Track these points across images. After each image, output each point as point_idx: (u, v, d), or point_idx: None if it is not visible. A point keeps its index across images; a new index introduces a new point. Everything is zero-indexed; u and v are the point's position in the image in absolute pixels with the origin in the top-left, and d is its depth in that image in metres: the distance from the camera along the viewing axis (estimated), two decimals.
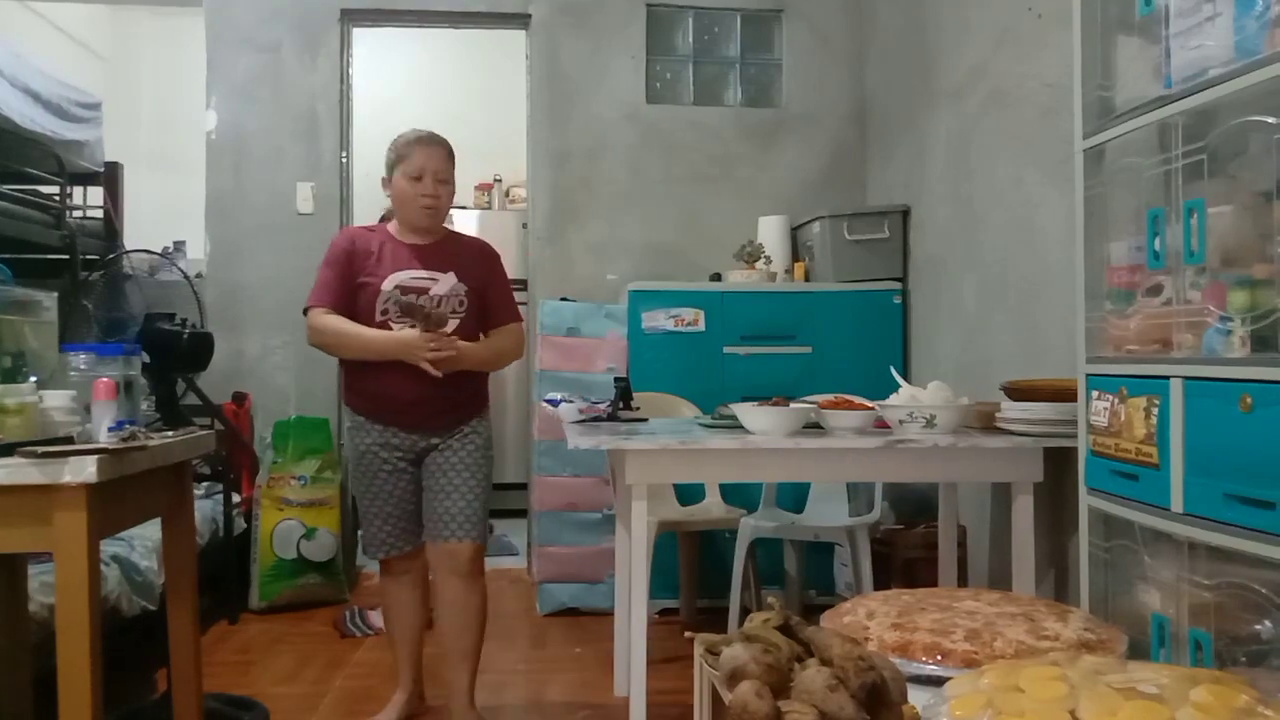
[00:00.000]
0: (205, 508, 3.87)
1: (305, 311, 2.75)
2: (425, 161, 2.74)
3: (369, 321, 2.69)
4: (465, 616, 2.74)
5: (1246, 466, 1.63)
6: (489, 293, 2.85)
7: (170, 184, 5.61)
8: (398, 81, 6.64)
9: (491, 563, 4.99)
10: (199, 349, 4.01)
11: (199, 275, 4.60)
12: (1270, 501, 1.57)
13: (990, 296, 3.49)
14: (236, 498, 4.14)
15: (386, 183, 2.80)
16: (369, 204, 5.60)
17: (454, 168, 2.80)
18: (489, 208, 6.60)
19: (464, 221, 6.38)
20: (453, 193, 2.82)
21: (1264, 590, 1.62)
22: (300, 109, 4.64)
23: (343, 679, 3.28)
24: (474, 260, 2.85)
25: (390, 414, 2.74)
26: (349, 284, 2.72)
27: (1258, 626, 1.65)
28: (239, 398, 4.42)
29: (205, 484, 4.09)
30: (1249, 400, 1.61)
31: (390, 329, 2.67)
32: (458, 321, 2.74)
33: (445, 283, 2.75)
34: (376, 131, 6.20)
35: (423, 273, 2.74)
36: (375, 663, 3.45)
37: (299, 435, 4.29)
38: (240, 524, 4.13)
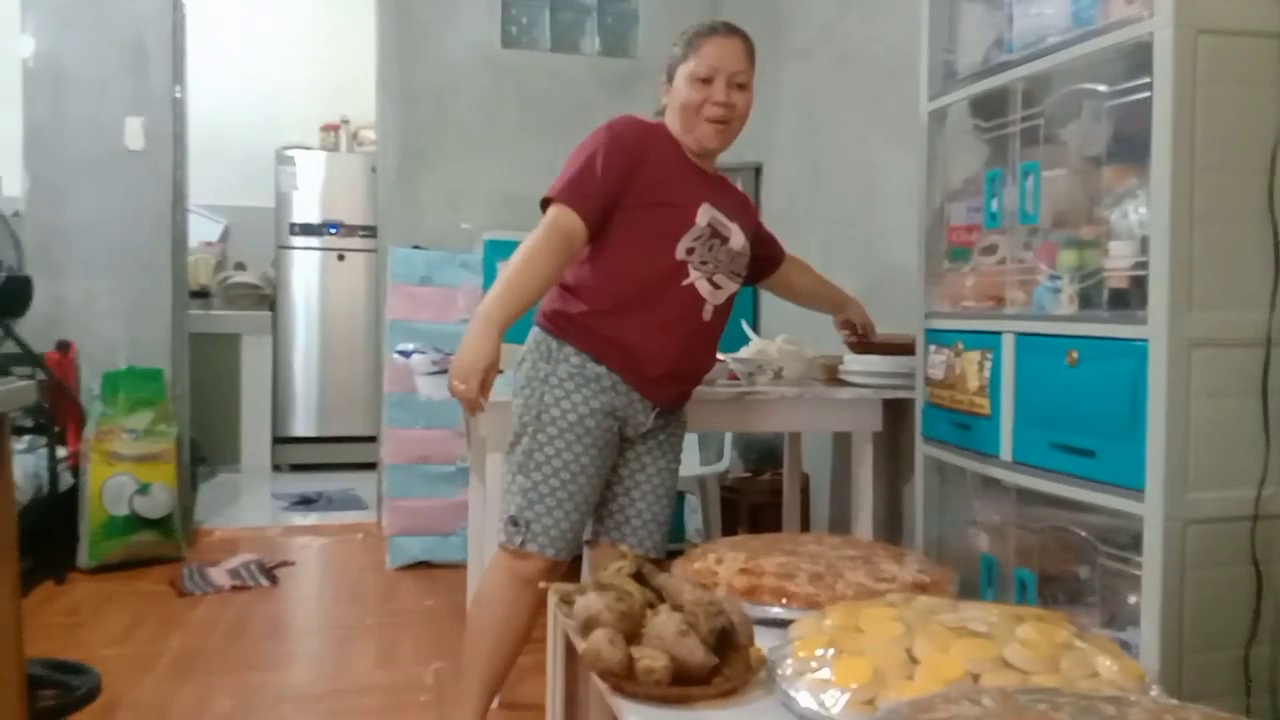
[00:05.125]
0: (28, 462, 3.64)
1: (545, 204, 2.05)
2: (719, 58, 2.05)
3: (658, 254, 2.04)
4: None
5: (1071, 417, 1.73)
6: (757, 239, 2.30)
7: None
8: (237, 11, 6.31)
9: (338, 517, 4.90)
10: (16, 293, 3.75)
11: (15, 214, 4.27)
12: (1091, 450, 1.68)
13: (835, 253, 3.58)
14: (62, 452, 3.91)
15: (666, 87, 2.16)
16: (209, 141, 5.34)
17: (754, 70, 2.13)
18: (336, 149, 6.35)
19: (310, 163, 6.14)
20: (749, 105, 2.13)
21: (1083, 533, 1.73)
22: (127, 38, 4.33)
23: (180, 638, 3.16)
24: (748, 211, 2.28)
25: (649, 380, 2.10)
26: (620, 194, 2.03)
27: (1076, 567, 1.77)
28: (63, 346, 4.15)
29: (27, 437, 3.85)
30: (1075, 355, 1.71)
31: (688, 274, 2.05)
32: (737, 287, 2.19)
33: (738, 236, 2.15)
34: (214, 65, 5.96)
35: (723, 216, 2.11)
36: (215, 621, 3.33)
37: (130, 386, 4.07)
38: (68, 479, 3.91)
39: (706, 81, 2.06)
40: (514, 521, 2.08)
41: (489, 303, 1.99)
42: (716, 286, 2.12)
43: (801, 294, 2.62)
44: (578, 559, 2.29)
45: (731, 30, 2.11)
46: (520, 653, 2.22)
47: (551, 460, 2.05)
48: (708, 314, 2.12)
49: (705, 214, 2.07)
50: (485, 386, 1.96)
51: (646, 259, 2.05)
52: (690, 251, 2.05)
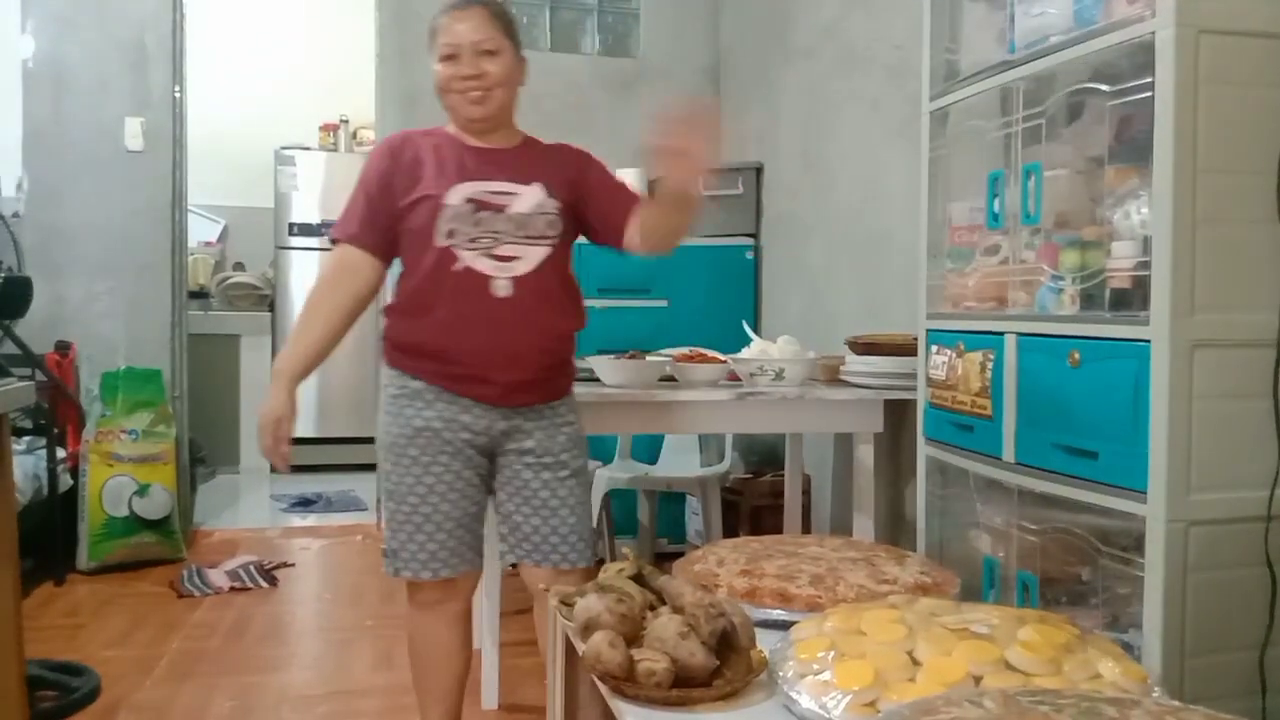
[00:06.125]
0: (27, 464, 3.63)
1: (332, 243, 2.09)
2: (455, 35, 2.02)
3: (424, 250, 2.00)
4: None
5: (1073, 418, 1.72)
6: (593, 193, 2.18)
7: None
8: (237, 11, 6.31)
9: (337, 519, 4.90)
10: (16, 294, 3.75)
11: (15, 215, 4.27)
12: (1093, 451, 1.67)
13: (837, 253, 3.58)
14: (62, 453, 3.90)
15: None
16: (208, 141, 5.33)
17: (509, 33, 2.09)
18: (334, 149, 6.35)
19: (309, 163, 6.14)
20: (511, 66, 2.08)
21: (1085, 535, 1.72)
22: (128, 38, 4.33)
23: (180, 640, 3.15)
24: (563, 165, 2.16)
25: (464, 379, 2.02)
26: (389, 210, 2.03)
27: (1079, 569, 1.76)
28: (62, 347, 4.15)
29: (27, 438, 3.85)
30: (1076, 356, 1.70)
31: (456, 258, 1.98)
32: (549, 250, 2.06)
33: (529, 197, 2.05)
34: (214, 65, 5.95)
35: (500, 184, 2.04)
36: (214, 623, 3.33)
37: (129, 387, 4.07)
38: (67, 480, 3.90)
39: (451, 59, 2.02)
40: (384, 553, 2.12)
41: (280, 355, 2.05)
42: (504, 259, 2.01)
43: (654, 231, 2.22)
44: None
45: (467, 3, 2.05)
46: (458, 671, 2.20)
47: (399, 486, 2.05)
48: (501, 290, 1.99)
49: (458, 193, 2.00)
50: (281, 439, 1.99)
51: (415, 259, 2.03)
52: (451, 234, 1.99)
